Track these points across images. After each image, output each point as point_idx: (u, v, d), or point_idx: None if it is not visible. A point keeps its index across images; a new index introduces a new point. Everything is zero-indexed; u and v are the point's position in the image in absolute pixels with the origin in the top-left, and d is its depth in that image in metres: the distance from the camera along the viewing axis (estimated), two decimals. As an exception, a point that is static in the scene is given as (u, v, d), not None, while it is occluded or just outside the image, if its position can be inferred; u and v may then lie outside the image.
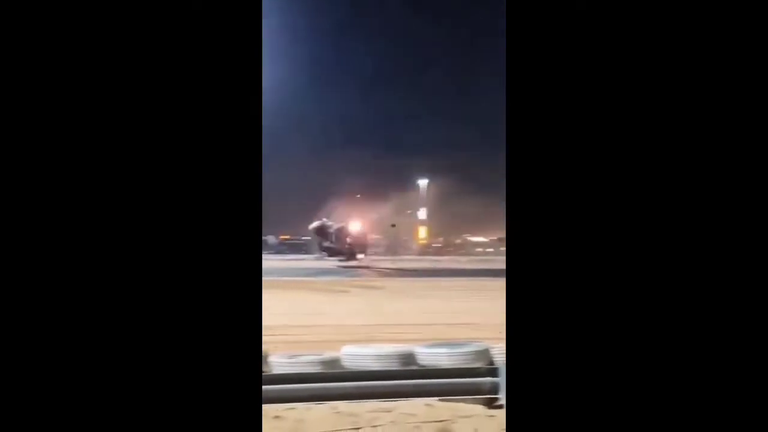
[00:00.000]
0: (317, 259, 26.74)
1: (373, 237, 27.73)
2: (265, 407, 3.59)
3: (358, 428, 3.32)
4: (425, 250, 37.05)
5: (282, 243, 33.92)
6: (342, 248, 26.00)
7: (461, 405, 3.66)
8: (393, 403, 3.73)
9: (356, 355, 4.62)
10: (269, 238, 31.83)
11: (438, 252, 35.75)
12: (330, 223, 27.70)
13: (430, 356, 4.60)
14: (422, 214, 40.10)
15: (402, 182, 37.95)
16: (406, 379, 4.06)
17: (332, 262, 24.85)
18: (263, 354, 4.64)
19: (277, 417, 3.46)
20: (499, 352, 4.41)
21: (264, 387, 3.95)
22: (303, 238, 32.28)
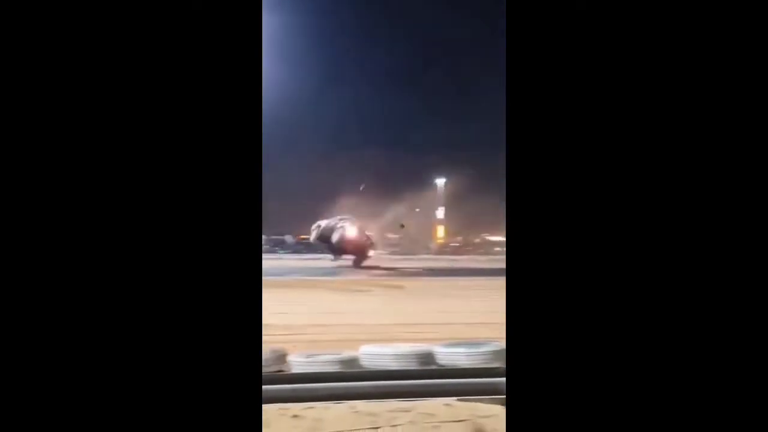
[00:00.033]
0: (335, 259, 26.77)
1: (374, 238, 27.13)
2: (284, 406, 3.61)
3: (377, 428, 3.31)
4: (443, 250, 37.01)
5: (299, 242, 34.02)
6: (343, 252, 25.67)
7: (480, 405, 3.64)
8: (411, 402, 3.72)
9: (375, 354, 4.63)
10: (287, 238, 31.95)
11: (456, 251, 35.67)
12: (329, 224, 27.22)
13: (448, 356, 4.59)
14: (440, 213, 40.04)
15: (417, 181, 37.89)
16: (424, 379, 4.06)
17: (347, 261, 24.85)
18: (282, 353, 4.67)
19: (295, 416, 3.46)
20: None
21: (282, 386, 3.98)
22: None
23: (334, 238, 25.35)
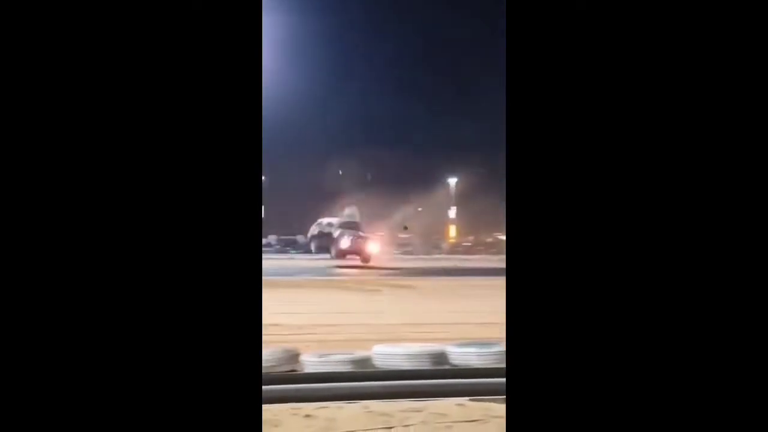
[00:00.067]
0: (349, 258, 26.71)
1: (375, 241, 26.68)
2: (297, 406, 3.62)
3: (390, 427, 3.31)
4: (455, 249, 36.94)
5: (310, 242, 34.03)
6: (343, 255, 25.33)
7: (493, 405, 3.62)
8: (424, 402, 3.72)
9: (387, 354, 4.62)
10: (299, 238, 31.95)
11: (468, 251, 35.60)
12: (324, 230, 26.83)
13: (461, 356, 4.58)
14: (452, 212, 40.00)
15: (428, 180, 37.84)
16: (437, 379, 4.05)
17: (355, 261, 24.78)
18: (295, 352, 4.67)
19: (308, 416, 3.47)
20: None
21: (295, 386, 3.99)
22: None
23: (332, 249, 25.09)
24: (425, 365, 4.54)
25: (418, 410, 3.55)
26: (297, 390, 3.89)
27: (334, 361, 4.49)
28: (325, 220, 27.93)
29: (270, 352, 4.61)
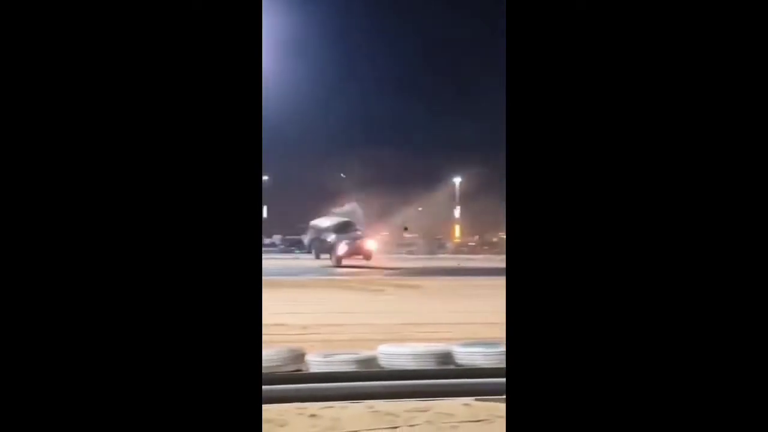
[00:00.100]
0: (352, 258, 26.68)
1: (368, 237, 26.30)
2: (302, 405, 3.61)
3: (396, 427, 3.30)
4: (459, 249, 36.95)
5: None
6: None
7: (499, 405, 3.61)
8: (430, 402, 3.71)
9: (393, 354, 4.62)
10: (303, 237, 31.96)
11: (473, 251, 35.60)
12: (322, 234, 26.46)
13: (466, 355, 4.57)
14: (456, 212, 40.01)
15: (431, 180, 37.84)
16: (443, 379, 4.05)
17: (359, 261, 24.72)
18: (300, 352, 4.67)
19: (313, 415, 3.46)
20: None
21: (300, 385, 3.98)
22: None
23: (331, 257, 24.73)
24: (431, 365, 4.53)
25: (424, 410, 3.54)
26: (302, 390, 3.89)
27: (340, 360, 4.49)
28: (318, 224, 27.35)
29: (275, 352, 4.61)
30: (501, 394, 3.88)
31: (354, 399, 3.76)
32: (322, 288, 14.25)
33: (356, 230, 25.72)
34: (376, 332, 6.95)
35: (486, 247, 36.12)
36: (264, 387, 3.90)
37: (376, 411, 3.53)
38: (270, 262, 24.43)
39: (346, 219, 26.84)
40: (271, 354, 4.54)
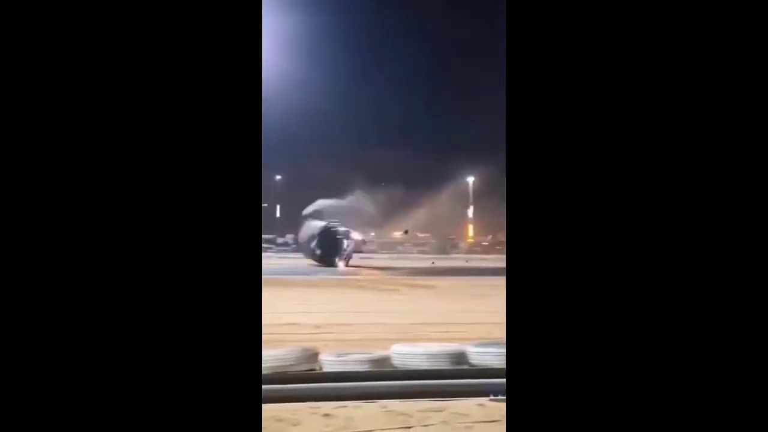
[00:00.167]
0: (364, 257, 26.67)
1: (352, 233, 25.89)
2: (316, 404, 3.61)
3: (409, 427, 3.29)
4: (473, 249, 36.88)
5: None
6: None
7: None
8: (444, 402, 3.69)
9: (406, 353, 4.60)
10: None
11: (485, 250, 35.50)
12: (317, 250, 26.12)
13: (480, 355, 4.55)
14: (470, 212, 39.97)
15: (443, 180, 37.77)
16: (456, 379, 4.03)
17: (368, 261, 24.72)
18: (313, 351, 4.67)
19: (327, 415, 3.45)
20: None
21: (314, 385, 3.98)
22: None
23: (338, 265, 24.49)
24: (444, 365, 4.51)
25: (438, 410, 3.53)
26: (316, 389, 3.89)
27: (353, 360, 4.48)
28: (308, 237, 26.68)
29: (288, 351, 4.61)
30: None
31: (368, 399, 3.75)
32: (334, 287, 14.27)
33: (345, 234, 25.37)
34: (388, 332, 6.94)
35: (498, 247, 35.98)
36: (277, 386, 3.91)
37: (390, 411, 3.52)
38: (282, 261, 24.52)
39: (332, 223, 26.33)
40: (284, 353, 4.54)
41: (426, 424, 3.33)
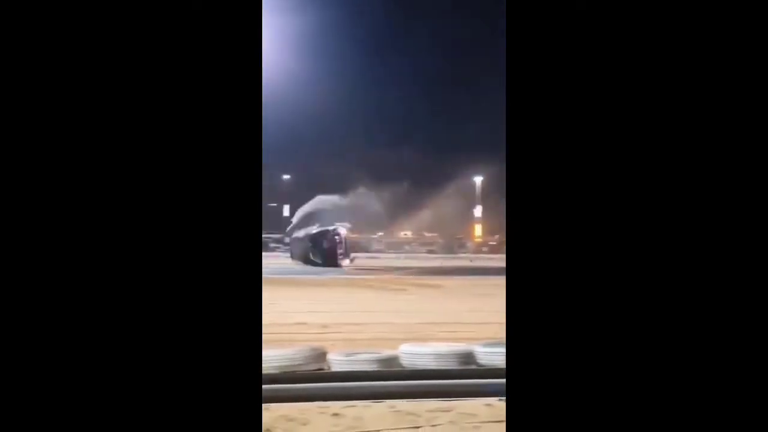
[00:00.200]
0: (371, 257, 26.66)
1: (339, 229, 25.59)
2: (324, 404, 3.62)
3: (418, 427, 3.30)
4: (480, 249, 36.81)
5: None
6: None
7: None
8: (452, 402, 3.69)
9: (414, 353, 4.61)
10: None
11: (493, 250, 35.42)
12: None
13: (488, 355, 4.55)
14: (477, 211, 39.90)
15: (450, 180, 37.70)
16: (465, 379, 4.03)
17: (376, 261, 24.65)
18: (322, 351, 4.68)
19: (335, 414, 3.46)
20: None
21: (322, 384, 3.99)
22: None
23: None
24: (452, 365, 4.51)
25: (447, 410, 3.53)
26: (324, 388, 3.90)
27: (361, 360, 4.49)
28: (300, 249, 25.96)
29: (297, 351, 4.62)
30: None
31: (376, 398, 3.76)
32: (342, 287, 14.28)
33: (335, 234, 25.11)
34: (396, 331, 6.94)
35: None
36: (286, 386, 3.93)
37: (398, 411, 3.53)
38: (290, 260, 24.53)
39: (322, 229, 26.03)
40: (293, 353, 4.55)
41: (434, 424, 3.33)
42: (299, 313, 8.90)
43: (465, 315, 9.11)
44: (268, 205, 36.01)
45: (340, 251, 24.21)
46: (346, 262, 24.09)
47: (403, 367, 4.53)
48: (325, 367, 4.59)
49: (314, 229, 25.57)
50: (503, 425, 3.33)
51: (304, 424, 3.31)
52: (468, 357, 4.64)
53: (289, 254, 26.12)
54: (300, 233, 26.33)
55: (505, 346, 4.73)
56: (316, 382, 4.04)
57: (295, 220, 29.09)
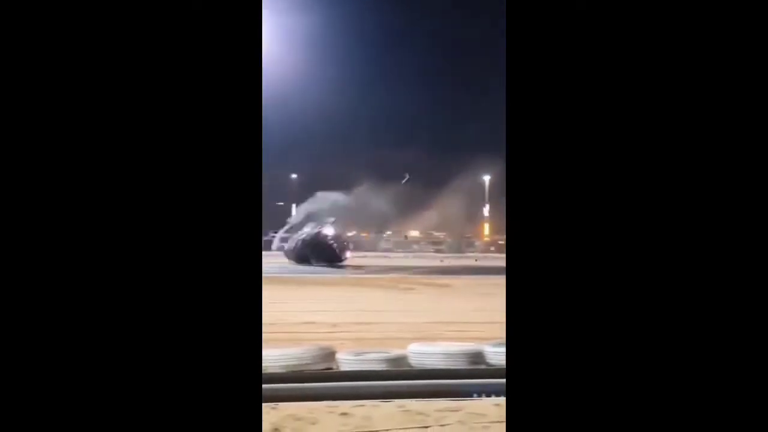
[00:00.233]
0: (379, 256, 26.67)
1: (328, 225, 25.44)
2: (333, 403, 3.61)
3: (427, 427, 3.29)
4: (487, 248, 36.79)
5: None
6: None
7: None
8: (461, 402, 3.68)
9: (424, 353, 4.60)
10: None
11: (501, 249, 35.36)
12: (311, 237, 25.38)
13: (497, 355, 4.53)
14: (486, 210, 39.91)
15: (458, 179, 37.67)
16: (474, 378, 4.02)
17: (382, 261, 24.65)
18: (330, 350, 4.68)
19: (344, 414, 3.46)
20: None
21: (331, 384, 3.99)
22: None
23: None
24: (461, 364, 4.50)
25: (456, 410, 3.52)
26: (333, 388, 3.89)
27: (370, 359, 4.48)
28: (296, 250, 25.42)
29: (305, 350, 4.62)
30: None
31: (385, 398, 3.75)
32: (349, 286, 14.30)
33: (326, 236, 24.96)
34: (404, 330, 6.94)
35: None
36: (295, 385, 3.93)
37: (407, 410, 3.52)
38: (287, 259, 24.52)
39: (310, 229, 25.89)
40: (301, 352, 4.55)
41: (443, 423, 3.32)
42: (308, 312, 8.92)
43: (473, 314, 9.10)
44: (276, 204, 36.11)
45: (332, 250, 24.07)
46: (345, 260, 24.06)
47: (412, 366, 4.53)
48: (334, 367, 4.59)
49: (305, 229, 25.57)
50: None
51: (313, 424, 3.31)
52: (477, 357, 4.63)
53: (281, 253, 26.06)
54: (288, 233, 26.30)
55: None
56: (324, 381, 4.04)
57: (293, 219, 29.04)
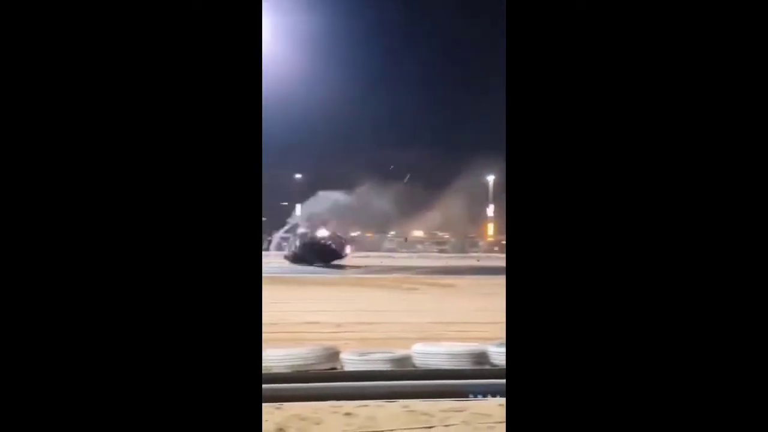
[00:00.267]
0: (382, 256, 26.67)
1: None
2: (337, 403, 3.62)
3: (431, 427, 3.29)
4: (491, 248, 36.77)
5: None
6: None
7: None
8: (465, 402, 3.68)
9: (428, 353, 4.60)
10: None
11: (504, 249, 35.35)
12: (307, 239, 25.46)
13: (501, 355, 4.53)
14: (490, 210, 39.88)
15: (462, 179, 37.66)
16: (478, 379, 4.02)
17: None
18: (335, 350, 4.68)
19: (348, 414, 3.46)
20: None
21: (336, 384, 3.99)
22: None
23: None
24: (466, 365, 4.50)
25: (460, 410, 3.52)
26: (337, 388, 3.90)
27: (374, 359, 4.48)
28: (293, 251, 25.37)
29: (310, 350, 4.62)
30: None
31: (389, 398, 3.75)
32: (353, 286, 14.31)
33: (322, 237, 24.84)
34: (408, 330, 6.95)
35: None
36: (299, 385, 3.93)
37: (412, 410, 3.52)
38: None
39: (304, 230, 25.81)
40: (306, 352, 4.56)
41: (447, 423, 3.32)
42: (311, 312, 8.92)
43: (477, 314, 9.10)
44: (281, 204, 36.15)
45: (329, 249, 24.04)
46: (345, 257, 24.05)
47: (416, 366, 4.53)
48: (338, 367, 4.59)
49: (299, 231, 25.56)
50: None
51: (317, 424, 3.31)
52: (481, 357, 4.63)
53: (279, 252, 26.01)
54: (288, 233, 26.29)
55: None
56: (329, 381, 4.04)
57: (293, 219, 29.04)
